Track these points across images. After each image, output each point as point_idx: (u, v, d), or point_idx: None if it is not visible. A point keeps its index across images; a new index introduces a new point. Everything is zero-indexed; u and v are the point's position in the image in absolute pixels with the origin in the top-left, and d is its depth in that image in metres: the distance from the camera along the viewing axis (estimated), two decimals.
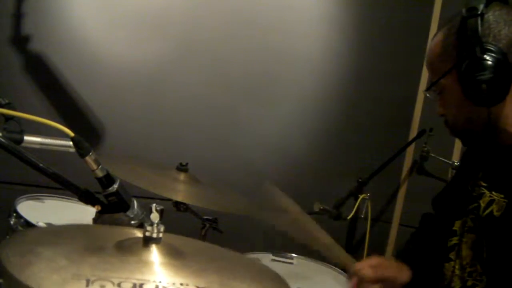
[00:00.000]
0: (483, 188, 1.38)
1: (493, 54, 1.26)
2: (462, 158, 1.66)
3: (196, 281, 0.91)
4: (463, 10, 1.30)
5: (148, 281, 0.87)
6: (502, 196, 1.32)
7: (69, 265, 0.86)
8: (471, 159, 1.56)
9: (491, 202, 1.34)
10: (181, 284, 0.88)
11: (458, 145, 2.85)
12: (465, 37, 1.29)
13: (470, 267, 1.38)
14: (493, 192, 1.35)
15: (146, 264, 0.92)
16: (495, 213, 1.32)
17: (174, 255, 0.97)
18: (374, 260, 1.53)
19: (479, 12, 1.28)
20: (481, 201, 1.37)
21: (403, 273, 1.51)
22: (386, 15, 2.94)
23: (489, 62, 1.26)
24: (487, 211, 1.34)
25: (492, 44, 1.28)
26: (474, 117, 1.35)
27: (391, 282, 1.48)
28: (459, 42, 1.32)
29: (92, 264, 0.88)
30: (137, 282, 0.85)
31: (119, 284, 0.83)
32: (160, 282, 0.87)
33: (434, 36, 1.41)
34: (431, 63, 1.42)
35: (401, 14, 2.98)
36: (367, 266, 1.49)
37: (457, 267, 1.43)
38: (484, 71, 1.26)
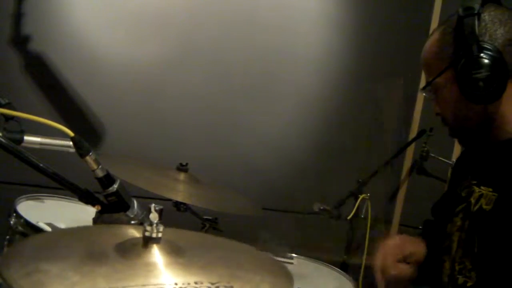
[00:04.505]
0: (473, 186, 1.40)
1: (489, 53, 1.28)
2: (454, 166, 1.67)
3: (208, 277, 0.90)
4: (460, 10, 1.32)
5: (165, 284, 0.86)
6: (490, 189, 1.34)
7: (82, 280, 0.84)
8: (462, 164, 1.57)
9: (480, 197, 1.36)
10: (196, 283, 0.88)
11: (458, 145, 2.85)
12: (462, 36, 1.31)
13: (459, 265, 1.39)
14: (482, 187, 1.36)
15: (154, 266, 0.91)
16: (484, 207, 1.33)
17: (176, 253, 0.96)
18: (394, 241, 1.55)
19: (475, 12, 1.29)
20: (471, 198, 1.38)
21: (422, 247, 1.53)
22: (386, 15, 2.95)
23: (486, 60, 1.27)
24: (477, 206, 1.36)
25: (488, 43, 1.29)
26: (471, 115, 1.37)
27: (412, 256, 1.51)
28: (455, 41, 1.34)
29: (103, 275, 0.86)
30: None
31: None
32: (176, 284, 0.87)
33: (430, 36, 1.43)
34: (427, 62, 1.43)
35: (401, 14, 2.98)
36: (388, 253, 1.51)
37: (447, 267, 1.44)
38: (481, 69, 1.28)
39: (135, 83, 2.54)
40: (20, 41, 2.33)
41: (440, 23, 1.42)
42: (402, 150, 2.87)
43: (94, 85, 2.47)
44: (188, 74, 2.62)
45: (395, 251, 1.52)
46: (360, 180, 2.58)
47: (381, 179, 2.71)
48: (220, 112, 2.69)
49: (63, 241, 1.04)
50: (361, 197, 2.52)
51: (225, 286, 0.89)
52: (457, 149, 2.87)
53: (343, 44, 2.91)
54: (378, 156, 2.82)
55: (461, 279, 1.38)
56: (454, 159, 2.83)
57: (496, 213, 1.31)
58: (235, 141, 2.74)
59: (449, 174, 2.80)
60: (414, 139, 2.89)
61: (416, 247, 1.54)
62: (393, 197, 3.12)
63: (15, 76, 2.33)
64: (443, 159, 2.83)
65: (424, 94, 1.45)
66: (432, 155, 2.86)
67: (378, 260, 1.52)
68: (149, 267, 0.91)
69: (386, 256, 1.51)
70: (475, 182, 1.40)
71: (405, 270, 1.50)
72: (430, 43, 1.42)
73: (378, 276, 1.52)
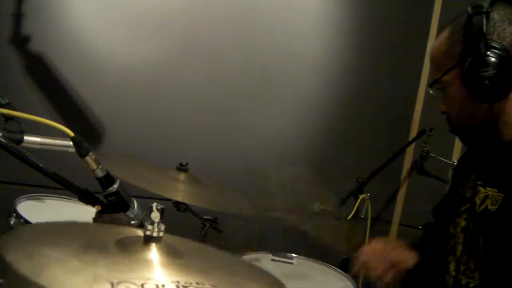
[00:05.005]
0: (478, 186, 1.39)
1: (497, 51, 1.28)
2: (456, 165, 1.67)
3: (208, 280, 0.90)
4: (469, 8, 1.32)
5: (167, 281, 0.86)
6: (496, 190, 1.34)
7: (84, 267, 0.83)
8: (464, 164, 1.57)
9: (485, 198, 1.35)
10: (197, 283, 0.88)
11: (458, 145, 2.85)
12: (470, 34, 1.31)
13: (463, 265, 1.39)
14: (487, 188, 1.36)
15: (154, 264, 0.91)
16: (490, 207, 1.33)
17: (175, 255, 0.96)
18: (377, 245, 1.55)
19: (484, 10, 1.29)
20: (476, 198, 1.38)
21: (409, 257, 1.52)
22: (386, 15, 2.95)
23: (493, 59, 1.27)
24: (482, 207, 1.36)
25: (496, 42, 1.29)
26: (477, 114, 1.36)
27: (397, 265, 1.50)
28: (464, 39, 1.34)
29: (106, 265, 0.86)
30: (159, 283, 0.84)
31: (142, 286, 0.82)
32: (179, 282, 0.86)
33: (440, 34, 1.43)
34: (436, 60, 1.43)
35: (401, 14, 2.98)
36: (372, 255, 1.52)
37: (452, 268, 1.43)
38: (488, 67, 1.27)
39: (135, 83, 2.54)
40: (20, 41, 2.33)
41: (450, 21, 1.41)
42: (402, 150, 2.87)
43: (94, 85, 2.47)
44: (188, 74, 2.62)
45: (384, 257, 1.52)
46: (360, 180, 2.59)
47: (381, 179, 2.71)
48: (220, 112, 2.69)
49: (63, 231, 1.03)
50: (361, 197, 2.52)
51: None
52: (457, 149, 2.87)
53: (343, 44, 2.91)
54: (378, 156, 2.83)
55: (464, 280, 1.38)
56: (454, 159, 2.83)
57: (502, 214, 1.30)
58: (235, 141, 2.74)
59: (449, 175, 2.80)
60: (414, 139, 2.89)
61: (402, 254, 1.53)
62: (393, 197, 3.12)
63: (15, 76, 2.33)
64: (443, 159, 2.83)
65: (431, 91, 1.44)
66: (432, 155, 2.86)
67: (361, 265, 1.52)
68: (149, 264, 0.90)
69: (370, 261, 1.52)
70: (480, 182, 1.39)
71: (390, 275, 1.50)
72: (439, 41, 1.41)
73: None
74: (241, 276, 1.01)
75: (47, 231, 1.02)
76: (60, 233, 1.01)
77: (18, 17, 2.31)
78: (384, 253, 1.53)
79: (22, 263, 0.79)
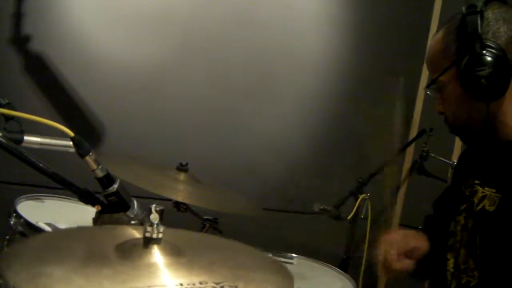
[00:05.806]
0: (476, 186, 1.40)
1: (492, 50, 1.28)
2: (458, 162, 1.67)
3: (211, 277, 0.90)
4: (463, 8, 1.33)
5: (170, 285, 0.86)
6: (494, 190, 1.34)
7: (88, 283, 0.83)
8: (465, 161, 1.57)
9: (483, 198, 1.36)
10: (200, 283, 0.88)
11: (458, 145, 2.85)
12: (465, 34, 1.32)
13: (463, 264, 1.39)
14: (486, 188, 1.37)
15: (156, 267, 0.91)
16: (487, 207, 1.34)
17: (177, 253, 0.96)
18: (397, 235, 1.55)
19: (478, 10, 1.30)
20: (474, 198, 1.39)
21: (424, 242, 1.52)
22: (386, 15, 2.95)
23: (489, 58, 1.28)
24: (480, 206, 1.36)
25: (491, 41, 1.30)
26: (474, 113, 1.36)
27: (415, 251, 1.50)
28: (459, 39, 1.34)
29: (108, 277, 0.85)
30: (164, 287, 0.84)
31: None
32: (181, 284, 0.87)
33: (435, 35, 1.43)
34: (432, 60, 1.43)
35: (401, 14, 2.98)
36: (391, 246, 1.50)
37: (451, 266, 1.44)
38: (484, 66, 1.28)
39: (135, 83, 2.54)
40: (20, 41, 2.33)
41: (445, 22, 1.42)
42: (402, 150, 2.87)
43: (94, 85, 2.47)
44: (188, 74, 2.62)
45: (399, 245, 1.51)
46: (360, 180, 2.58)
47: (381, 179, 2.71)
48: (220, 112, 2.69)
49: (63, 242, 1.03)
50: (361, 197, 2.52)
51: (230, 286, 0.89)
52: (457, 149, 2.87)
53: (343, 44, 2.91)
54: (378, 156, 2.83)
55: (464, 279, 1.38)
56: (454, 159, 2.83)
57: (499, 214, 1.31)
58: (235, 141, 2.74)
59: (449, 174, 2.80)
60: (414, 139, 2.89)
61: (419, 242, 1.53)
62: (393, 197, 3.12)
63: (15, 76, 2.33)
64: (443, 159, 2.83)
65: (428, 92, 1.45)
66: (432, 155, 2.86)
67: (381, 254, 1.51)
68: (152, 268, 0.90)
69: (389, 250, 1.50)
70: (478, 182, 1.40)
71: (408, 264, 1.49)
72: (434, 41, 1.42)
73: (381, 269, 1.51)
74: (247, 268, 1.00)
75: (46, 245, 1.01)
76: (59, 245, 1.00)
77: (18, 17, 2.31)
78: (401, 242, 1.51)
79: (26, 285, 0.80)
